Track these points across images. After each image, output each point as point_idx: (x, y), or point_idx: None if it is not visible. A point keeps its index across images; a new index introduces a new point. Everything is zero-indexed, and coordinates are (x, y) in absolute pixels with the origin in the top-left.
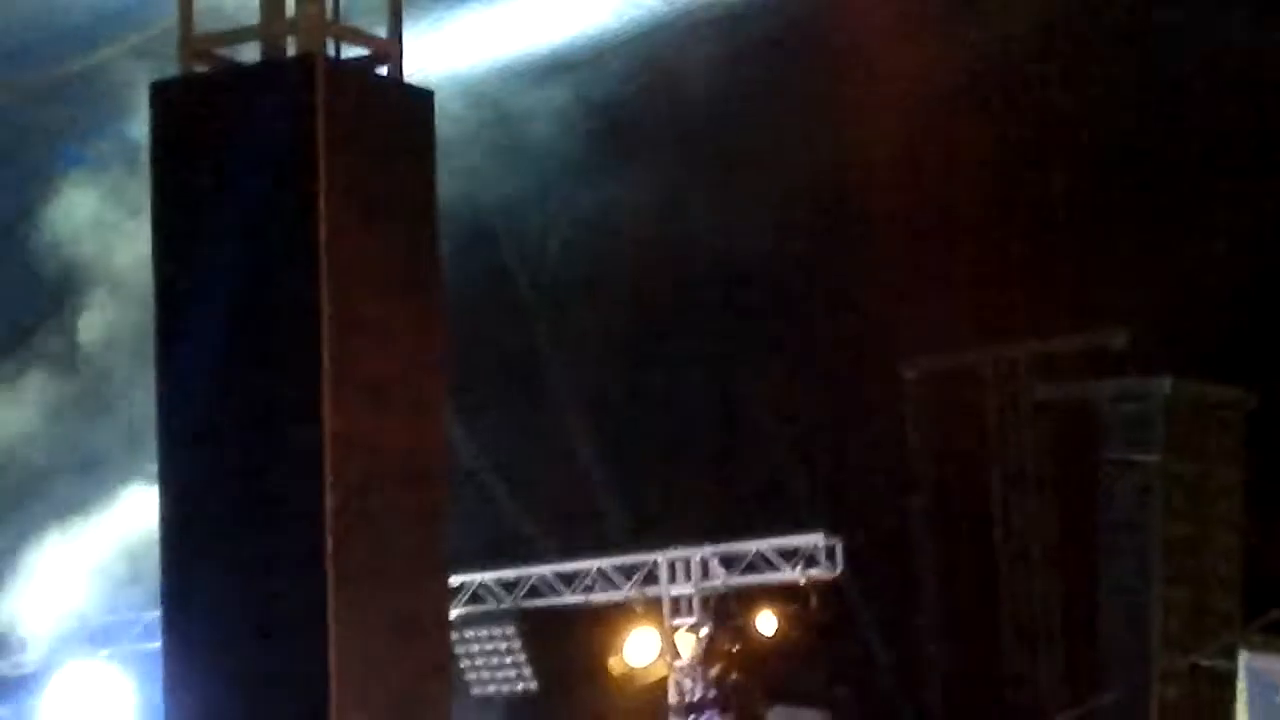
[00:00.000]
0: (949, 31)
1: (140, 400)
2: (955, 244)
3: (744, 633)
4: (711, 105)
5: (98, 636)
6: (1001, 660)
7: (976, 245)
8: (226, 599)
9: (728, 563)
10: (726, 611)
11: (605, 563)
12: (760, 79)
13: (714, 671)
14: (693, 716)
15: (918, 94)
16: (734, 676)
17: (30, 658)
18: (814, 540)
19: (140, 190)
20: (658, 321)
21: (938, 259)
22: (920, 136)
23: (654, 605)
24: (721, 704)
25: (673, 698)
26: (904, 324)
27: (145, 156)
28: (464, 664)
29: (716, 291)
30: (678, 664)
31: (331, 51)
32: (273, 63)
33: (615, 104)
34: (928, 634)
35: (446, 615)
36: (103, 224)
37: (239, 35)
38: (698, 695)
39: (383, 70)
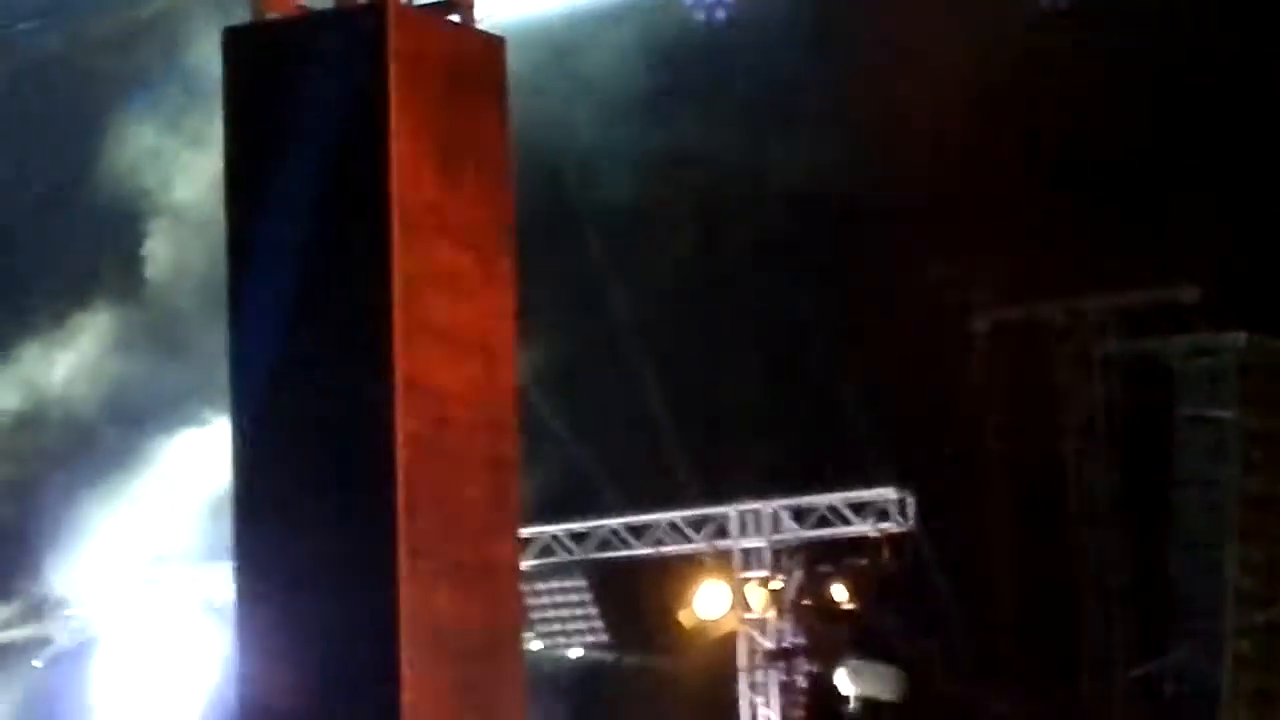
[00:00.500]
0: None
1: (199, 347)
2: (1027, 197)
3: (817, 585)
4: (781, 50)
5: (155, 591)
6: (1074, 615)
7: (1048, 198)
8: (298, 547)
9: (799, 516)
10: (799, 564)
11: (676, 515)
12: (832, 22)
13: (800, 620)
14: (779, 664)
15: (992, 43)
16: (820, 625)
17: (86, 617)
18: (885, 494)
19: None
20: (728, 271)
21: (1010, 211)
22: (995, 86)
23: (724, 558)
24: (807, 652)
25: (742, 649)
26: (976, 275)
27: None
28: (534, 616)
29: (787, 240)
30: (748, 616)
31: None
32: (345, 9)
33: (685, 47)
34: (999, 588)
35: (518, 565)
36: (164, 157)
37: None
38: (786, 643)
39: (455, 17)
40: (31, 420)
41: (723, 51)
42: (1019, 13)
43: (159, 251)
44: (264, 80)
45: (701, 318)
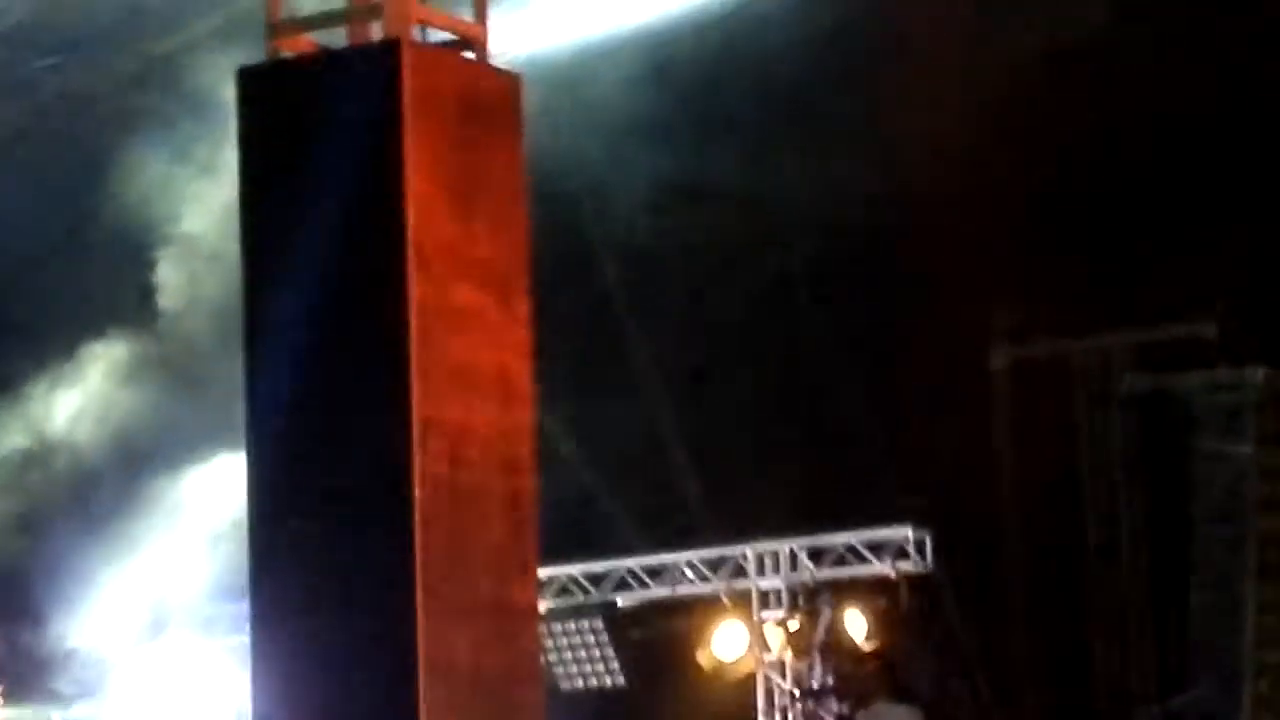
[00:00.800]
0: (1028, 16)
1: (211, 378)
2: (1043, 233)
3: (839, 625)
4: (793, 88)
5: (165, 638)
6: (1093, 652)
7: (1064, 235)
8: (314, 588)
9: (816, 556)
10: (824, 604)
11: (693, 555)
12: (842, 61)
13: (828, 661)
14: (809, 703)
15: (1011, 75)
16: (848, 666)
17: (95, 667)
18: (903, 533)
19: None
20: (743, 305)
21: (1027, 248)
22: (1008, 123)
23: (742, 598)
24: (837, 692)
25: (760, 691)
26: (994, 312)
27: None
28: (551, 658)
29: (803, 274)
30: (766, 657)
31: (418, 36)
32: (359, 47)
33: (699, 83)
34: (1018, 626)
35: (536, 605)
36: (175, 188)
37: (325, 20)
38: (815, 683)
39: (469, 54)
40: (39, 459)
41: (735, 80)
42: (1039, 44)
43: (171, 282)
44: (278, 119)
45: (717, 353)
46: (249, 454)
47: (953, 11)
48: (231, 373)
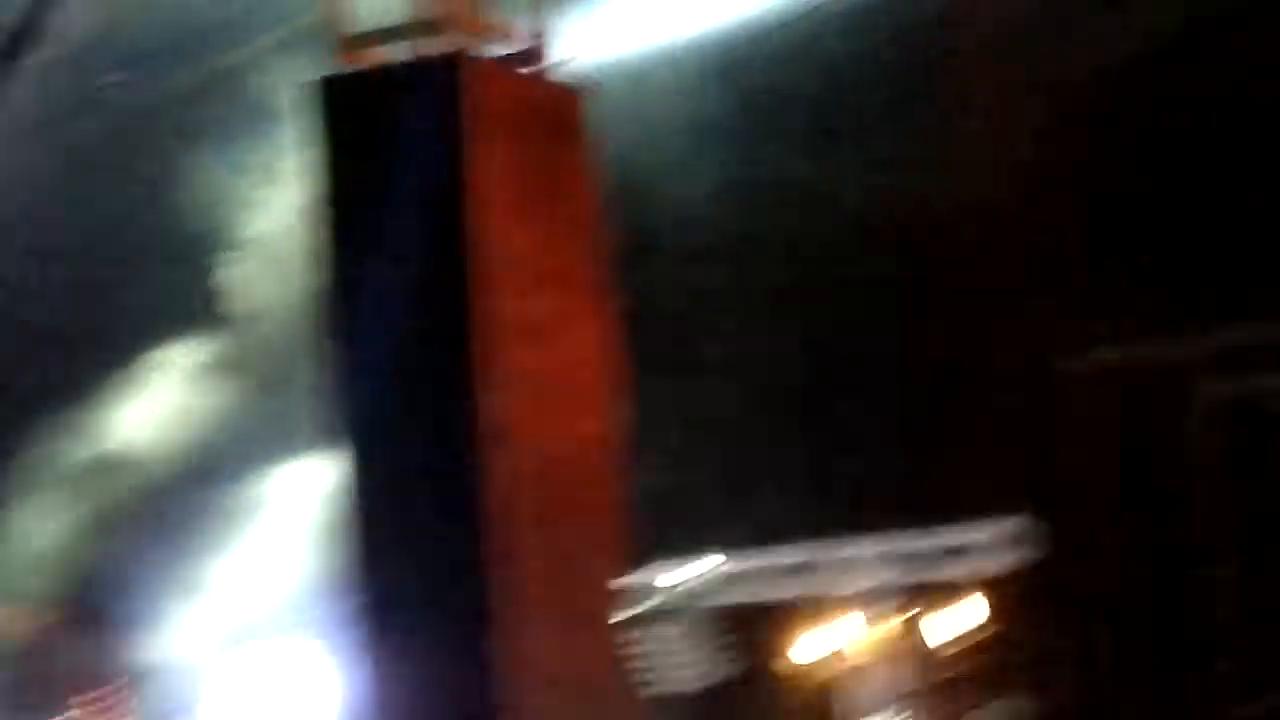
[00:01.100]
0: (1091, 28)
1: (284, 383)
2: (1124, 237)
3: (924, 628)
4: (858, 94)
5: (250, 649)
6: (1181, 654)
7: (1145, 238)
8: (402, 597)
9: (899, 560)
10: (920, 606)
11: (777, 561)
12: (907, 68)
13: (925, 663)
14: (910, 707)
15: (1067, 87)
16: (949, 671)
17: (184, 678)
18: (990, 536)
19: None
20: (823, 306)
21: (1106, 252)
22: (1077, 127)
23: (829, 602)
24: (939, 694)
25: (846, 696)
26: (1075, 315)
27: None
28: (638, 662)
29: (881, 287)
30: (849, 663)
31: (483, 49)
32: (423, 61)
33: (763, 88)
34: (1102, 629)
35: (620, 610)
36: (241, 196)
37: (393, 34)
38: (911, 687)
39: (534, 66)
40: (117, 467)
41: (801, 86)
42: (1101, 54)
43: (239, 286)
44: (354, 128)
45: (797, 356)
46: (338, 466)
47: (1015, 22)
48: (302, 374)
